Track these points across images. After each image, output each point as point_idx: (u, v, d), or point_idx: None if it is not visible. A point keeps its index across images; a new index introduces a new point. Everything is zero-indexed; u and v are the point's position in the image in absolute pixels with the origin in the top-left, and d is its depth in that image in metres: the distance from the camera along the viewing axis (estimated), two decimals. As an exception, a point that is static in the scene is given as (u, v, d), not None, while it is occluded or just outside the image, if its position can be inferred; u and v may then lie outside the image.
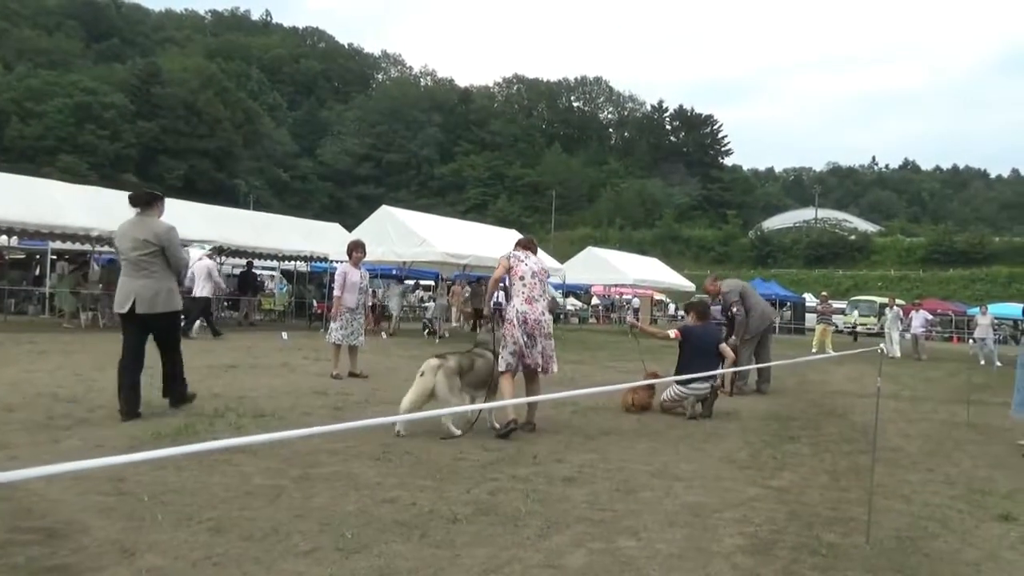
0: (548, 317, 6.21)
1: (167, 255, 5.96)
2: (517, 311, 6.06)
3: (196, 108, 77.72)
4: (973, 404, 9.04)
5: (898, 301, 23.29)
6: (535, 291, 6.17)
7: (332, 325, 9.38)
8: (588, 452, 5.35)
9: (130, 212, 6.07)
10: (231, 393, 7.28)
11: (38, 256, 23.65)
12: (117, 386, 5.80)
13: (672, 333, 8.00)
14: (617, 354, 15.71)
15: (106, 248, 18.79)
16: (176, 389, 6.19)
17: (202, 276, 15.10)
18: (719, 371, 8.12)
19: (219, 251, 18.86)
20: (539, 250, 6.81)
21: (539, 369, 6.09)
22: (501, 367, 6.05)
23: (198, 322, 14.83)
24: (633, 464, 5.01)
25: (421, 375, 5.68)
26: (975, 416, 8.29)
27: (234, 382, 8.18)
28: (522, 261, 6.22)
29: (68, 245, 18.84)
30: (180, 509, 3.56)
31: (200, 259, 15.53)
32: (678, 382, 7.34)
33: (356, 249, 9.57)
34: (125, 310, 5.87)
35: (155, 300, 5.88)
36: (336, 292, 9.32)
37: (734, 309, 9.86)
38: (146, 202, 6.06)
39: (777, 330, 35.38)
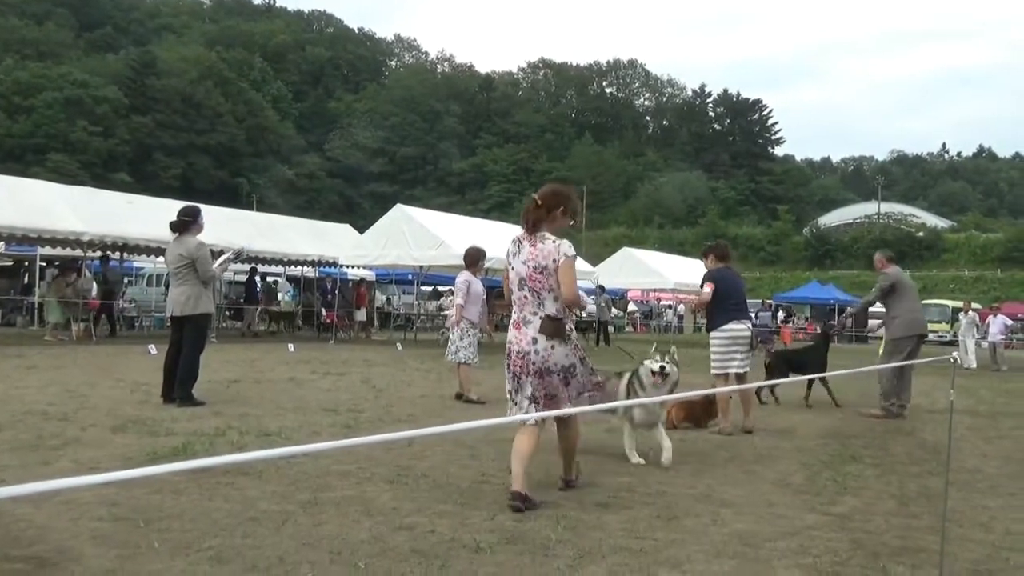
0: (545, 345, 4.45)
1: (196, 266, 7.69)
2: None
3: (194, 101, 78.88)
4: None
5: (974, 305, 22.93)
6: (526, 307, 4.54)
7: (452, 338, 9.09)
8: (624, 475, 5.33)
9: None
10: (233, 411, 7.37)
11: (26, 263, 24.18)
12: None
13: (706, 288, 7.60)
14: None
15: (98, 254, 19.15)
16: (182, 388, 7.53)
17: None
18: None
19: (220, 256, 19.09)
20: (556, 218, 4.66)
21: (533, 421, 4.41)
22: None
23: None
24: (675, 488, 4.98)
25: None
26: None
27: (236, 398, 8.28)
28: (514, 257, 4.65)
29: (59, 251, 19.21)
30: (179, 536, 3.60)
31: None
32: (717, 331, 7.49)
33: (482, 258, 9.46)
34: (169, 315, 8.08)
35: (186, 304, 7.70)
36: (459, 301, 9.10)
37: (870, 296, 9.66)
38: (180, 226, 7.86)
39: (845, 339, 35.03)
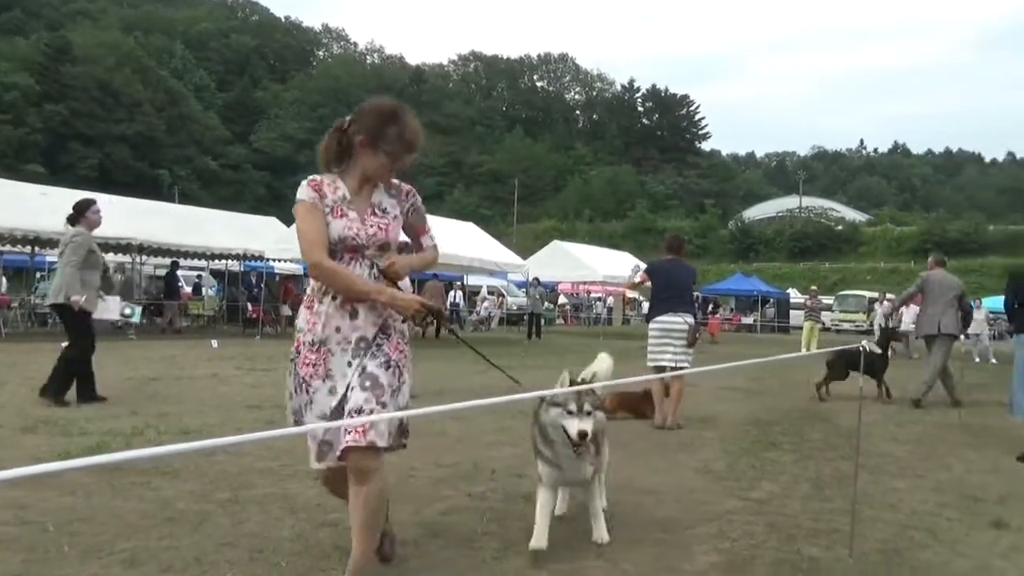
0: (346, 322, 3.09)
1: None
2: None
3: (112, 89, 75.98)
4: (967, 404, 9.31)
5: (888, 296, 23.82)
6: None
7: None
8: (552, 465, 5.36)
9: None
10: (152, 409, 7.15)
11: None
12: None
13: (638, 277, 8.04)
14: (588, 358, 15.80)
15: (7, 248, 18.32)
16: (54, 384, 7.28)
17: None
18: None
19: (140, 250, 18.50)
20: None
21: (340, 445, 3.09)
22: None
23: None
24: (600, 477, 5.05)
25: None
26: (969, 417, 8.53)
27: (155, 396, 8.05)
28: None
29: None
30: (90, 539, 3.49)
31: None
32: (651, 322, 7.64)
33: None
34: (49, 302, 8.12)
35: (58, 293, 7.49)
36: None
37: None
38: (72, 219, 7.72)
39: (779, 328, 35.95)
